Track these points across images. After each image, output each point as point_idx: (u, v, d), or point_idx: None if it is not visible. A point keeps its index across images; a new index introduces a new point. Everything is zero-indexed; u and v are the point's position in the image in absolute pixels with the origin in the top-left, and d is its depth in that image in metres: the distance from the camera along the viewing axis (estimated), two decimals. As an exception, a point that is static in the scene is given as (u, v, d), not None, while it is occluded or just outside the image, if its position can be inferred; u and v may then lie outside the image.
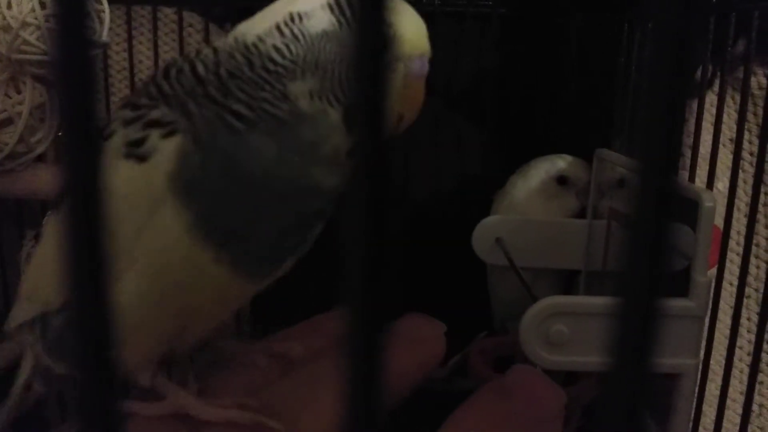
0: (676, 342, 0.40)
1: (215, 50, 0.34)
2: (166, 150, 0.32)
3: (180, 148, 0.32)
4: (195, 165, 0.32)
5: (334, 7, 0.33)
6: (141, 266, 0.32)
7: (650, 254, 0.11)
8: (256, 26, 0.34)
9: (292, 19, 0.33)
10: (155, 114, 0.33)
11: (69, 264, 0.12)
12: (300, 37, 0.33)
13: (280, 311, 0.44)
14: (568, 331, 0.41)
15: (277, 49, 0.33)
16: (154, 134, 0.32)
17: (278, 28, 0.33)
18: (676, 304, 0.40)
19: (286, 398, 0.35)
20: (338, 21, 0.33)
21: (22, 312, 0.39)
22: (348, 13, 0.33)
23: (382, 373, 0.11)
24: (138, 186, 0.32)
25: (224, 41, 0.34)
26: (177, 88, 0.33)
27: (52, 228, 0.38)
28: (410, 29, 0.34)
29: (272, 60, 0.33)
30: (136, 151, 0.32)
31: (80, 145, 0.11)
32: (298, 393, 0.36)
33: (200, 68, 0.33)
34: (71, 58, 0.11)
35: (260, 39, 0.33)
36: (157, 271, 0.33)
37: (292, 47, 0.33)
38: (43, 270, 0.37)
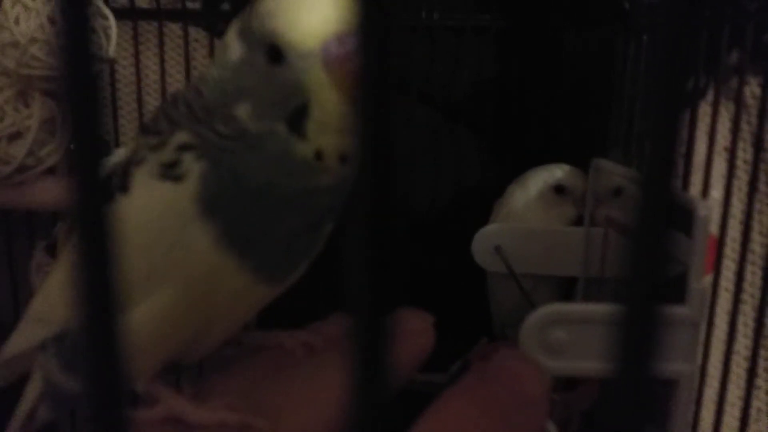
0: (673, 348, 0.41)
1: (199, 78, 0.37)
2: (195, 171, 0.34)
3: (203, 168, 0.34)
4: (213, 182, 0.34)
5: (242, 33, 0.34)
6: (172, 281, 0.34)
7: (652, 263, 0.12)
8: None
9: (222, 51, 0.35)
10: (180, 138, 0.34)
11: (79, 277, 0.12)
12: (225, 65, 0.34)
13: (283, 319, 0.45)
14: (567, 338, 0.41)
15: (215, 78, 0.35)
16: (188, 156, 0.34)
17: (216, 58, 0.35)
18: (673, 311, 0.41)
19: (276, 398, 0.36)
20: (244, 45, 0.34)
21: (32, 335, 0.39)
22: (252, 37, 0.33)
23: (386, 371, 0.12)
24: (172, 205, 0.34)
25: (206, 70, 0.37)
26: (182, 114, 0.35)
27: (67, 249, 0.40)
28: (307, 21, 0.32)
29: (216, 86, 0.35)
30: (172, 172, 0.34)
31: (88, 158, 0.12)
32: (288, 393, 0.36)
33: (189, 95, 0.35)
34: (77, 73, 0.12)
35: (210, 69, 0.36)
36: (186, 285, 0.34)
37: (224, 75, 0.34)
38: (61, 289, 0.38)
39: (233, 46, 0.34)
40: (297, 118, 0.33)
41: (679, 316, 0.41)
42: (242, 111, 0.34)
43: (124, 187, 0.35)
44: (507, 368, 0.36)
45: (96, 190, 0.12)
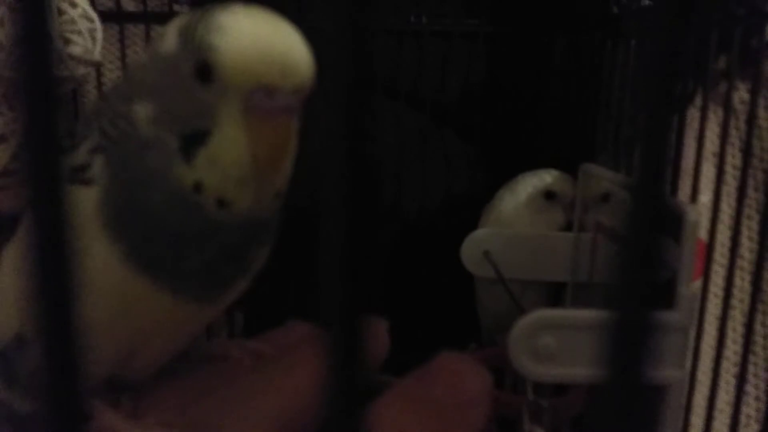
0: (662, 354, 0.41)
1: (131, 64, 0.33)
2: (103, 178, 0.31)
3: (99, 187, 0.31)
4: (112, 200, 0.31)
5: (183, 31, 0.30)
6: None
7: (643, 268, 0.12)
8: None
9: (159, 39, 0.32)
10: (94, 139, 0.32)
11: (34, 288, 0.12)
12: (154, 56, 0.31)
13: (275, 320, 0.44)
14: (555, 344, 0.41)
15: (140, 66, 0.32)
16: (98, 159, 0.31)
17: (151, 46, 0.32)
18: (662, 316, 0.41)
19: (217, 411, 0.34)
20: (178, 45, 0.30)
21: None
22: (191, 41, 0.30)
23: (360, 377, 0.12)
24: (81, 210, 0.30)
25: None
26: (101, 111, 0.33)
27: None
28: (251, 58, 0.29)
29: (134, 76, 0.32)
30: (82, 176, 0.31)
31: (43, 167, 0.12)
32: (230, 405, 0.34)
33: (113, 86, 0.33)
34: (34, 79, 0.12)
35: (143, 55, 0.32)
36: (100, 303, 0.30)
37: (149, 66, 0.31)
38: None
39: (169, 38, 0.31)
40: (192, 141, 0.30)
41: (668, 322, 0.41)
42: (142, 110, 0.31)
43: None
44: (445, 370, 0.35)
45: (52, 195, 0.12)
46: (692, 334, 0.49)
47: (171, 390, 0.36)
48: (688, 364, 0.49)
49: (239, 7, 0.30)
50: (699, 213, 0.41)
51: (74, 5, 0.53)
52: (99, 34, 0.53)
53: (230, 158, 0.30)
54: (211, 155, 0.30)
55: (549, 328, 0.41)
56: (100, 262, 0.30)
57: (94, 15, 0.53)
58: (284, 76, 0.29)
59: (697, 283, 0.50)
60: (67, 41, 0.53)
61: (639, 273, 0.12)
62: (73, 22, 0.53)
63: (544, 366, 0.41)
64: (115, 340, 0.33)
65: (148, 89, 0.31)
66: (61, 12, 0.53)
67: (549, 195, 0.56)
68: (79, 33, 0.53)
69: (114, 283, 0.31)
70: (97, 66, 0.57)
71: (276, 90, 0.29)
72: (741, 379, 0.51)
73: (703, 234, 0.49)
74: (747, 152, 0.50)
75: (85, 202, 0.31)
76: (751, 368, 0.56)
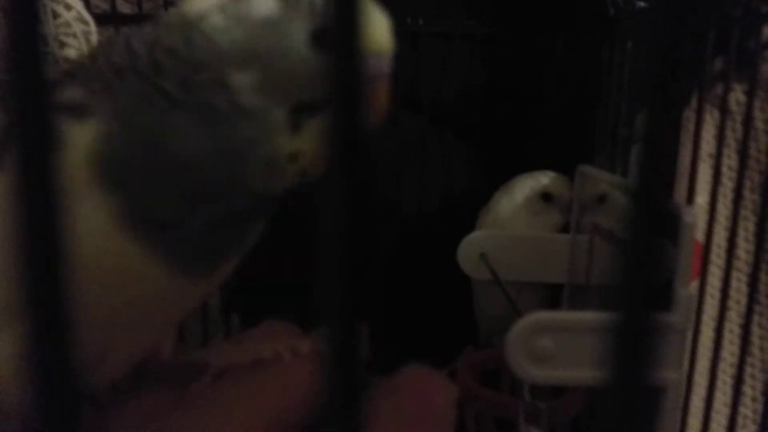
0: (659, 355, 0.41)
1: (156, 25, 0.31)
2: (81, 135, 0.29)
3: (97, 130, 0.29)
4: (117, 147, 0.29)
5: None
6: None
7: (645, 270, 0.12)
8: (202, 1, 0.30)
9: (238, 2, 0.30)
10: (65, 95, 0.30)
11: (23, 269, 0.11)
12: (242, 20, 0.29)
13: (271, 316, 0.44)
14: (553, 346, 0.41)
15: (217, 30, 0.29)
16: (64, 120, 0.29)
17: (221, 6, 0.30)
18: (659, 317, 0.41)
19: (186, 424, 0.32)
20: (282, 9, 0.29)
21: None
22: (301, 6, 0.29)
23: (359, 379, 0.12)
24: (68, 152, 0.28)
25: (168, 16, 0.31)
26: (102, 64, 0.30)
27: None
28: (371, 26, 0.29)
29: (213, 41, 0.29)
30: (74, 110, 0.29)
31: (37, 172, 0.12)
32: (199, 417, 0.33)
33: (135, 43, 0.30)
34: (25, 82, 0.11)
35: (202, 16, 0.29)
36: (82, 272, 0.28)
37: (234, 30, 0.29)
38: None
39: (263, 3, 0.29)
40: (302, 110, 0.29)
41: (665, 323, 0.41)
42: (244, 79, 0.29)
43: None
44: (410, 382, 0.35)
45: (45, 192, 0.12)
46: (689, 335, 0.49)
47: (136, 407, 0.34)
48: (686, 365, 0.49)
49: None
50: (695, 214, 0.41)
51: (69, 8, 0.53)
52: (94, 37, 0.53)
53: None
54: (323, 125, 0.29)
55: (546, 331, 0.41)
56: (87, 224, 0.28)
57: (88, 17, 0.53)
58: (389, 41, 0.29)
59: (694, 285, 0.50)
60: (62, 44, 0.53)
61: (640, 275, 0.12)
62: (67, 24, 0.53)
63: (542, 368, 0.41)
64: (92, 323, 0.30)
65: (247, 56, 0.29)
66: (55, 15, 0.52)
67: (546, 197, 0.56)
68: (74, 36, 0.53)
69: (101, 245, 0.28)
70: (93, 68, 0.57)
71: (383, 56, 0.29)
72: (738, 379, 0.51)
73: (699, 235, 0.49)
74: (743, 153, 0.51)
75: (75, 141, 0.28)
76: (747, 369, 0.56)
